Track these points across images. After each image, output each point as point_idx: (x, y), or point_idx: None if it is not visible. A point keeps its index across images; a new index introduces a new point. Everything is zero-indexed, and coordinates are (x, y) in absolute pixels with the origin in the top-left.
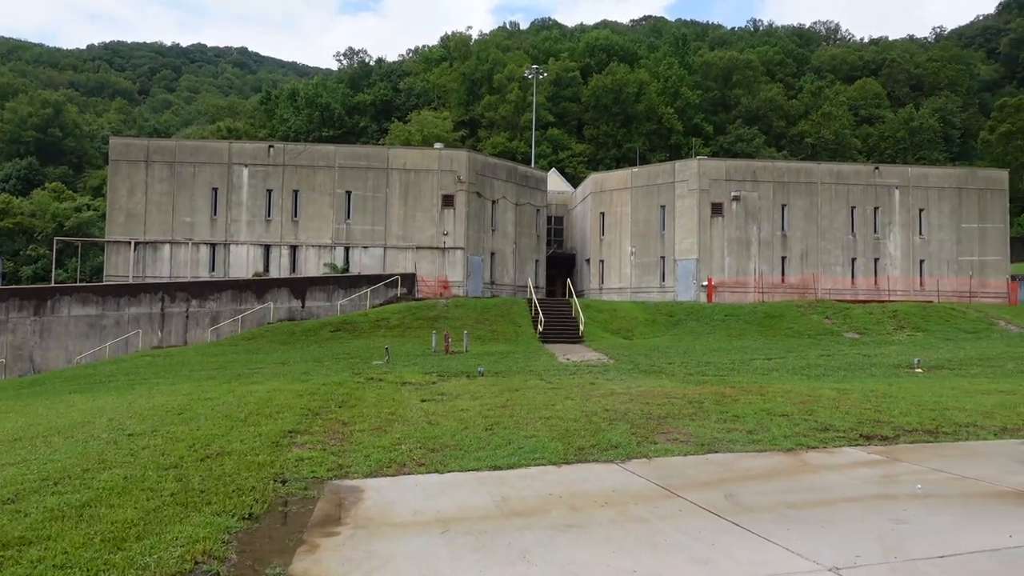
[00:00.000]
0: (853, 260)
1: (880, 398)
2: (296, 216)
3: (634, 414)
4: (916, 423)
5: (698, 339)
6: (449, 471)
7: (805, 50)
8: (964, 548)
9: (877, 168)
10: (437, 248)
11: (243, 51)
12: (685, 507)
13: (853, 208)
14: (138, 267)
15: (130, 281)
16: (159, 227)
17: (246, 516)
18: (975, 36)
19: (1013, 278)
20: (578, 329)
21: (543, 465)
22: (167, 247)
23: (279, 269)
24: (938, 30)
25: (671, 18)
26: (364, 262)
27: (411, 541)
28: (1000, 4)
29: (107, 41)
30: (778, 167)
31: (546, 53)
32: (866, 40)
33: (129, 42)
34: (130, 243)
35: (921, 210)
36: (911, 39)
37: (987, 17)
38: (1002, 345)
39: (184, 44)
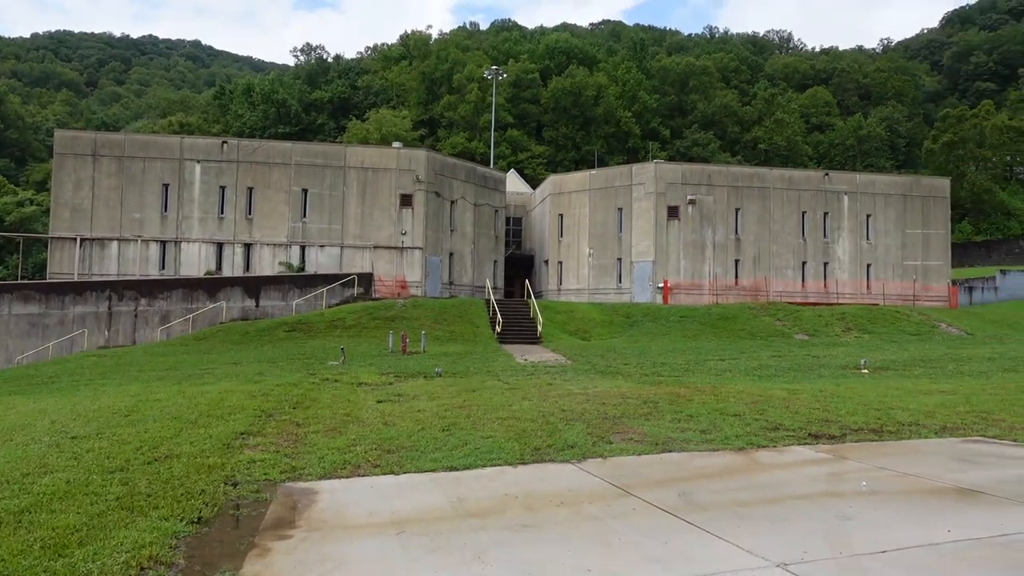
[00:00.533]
0: (803, 264)
1: (828, 398)
2: (251, 214)
3: (590, 414)
4: (862, 422)
5: (654, 340)
6: (405, 472)
7: (759, 58)
8: (906, 543)
9: (827, 174)
10: (395, 248)
11: (196, 44)
12: (639, 506)
13: (804, 213)
14: (84, 264)
15: (75, 279)
16: (107, 223)
17: (195, 520)
18: (920, 48)
19: (954, 282)
20: (536, 330)
21: (499, 466)
22: (115, 244)
23: (232, 268)
24: (885, 42)
25: (629, 23)
26: (320, 261)
27: (366, 543)
28: (943, 19)
29: (52, 30)
30: (732, 172)
31: (506, 54)
32: (817, 50)
33: (76, 32)
34: (76, 240)
35: (868, 216)
36: (860, 50)
37: (931, 31)
38: (943, 347)
39: (135, 35)
